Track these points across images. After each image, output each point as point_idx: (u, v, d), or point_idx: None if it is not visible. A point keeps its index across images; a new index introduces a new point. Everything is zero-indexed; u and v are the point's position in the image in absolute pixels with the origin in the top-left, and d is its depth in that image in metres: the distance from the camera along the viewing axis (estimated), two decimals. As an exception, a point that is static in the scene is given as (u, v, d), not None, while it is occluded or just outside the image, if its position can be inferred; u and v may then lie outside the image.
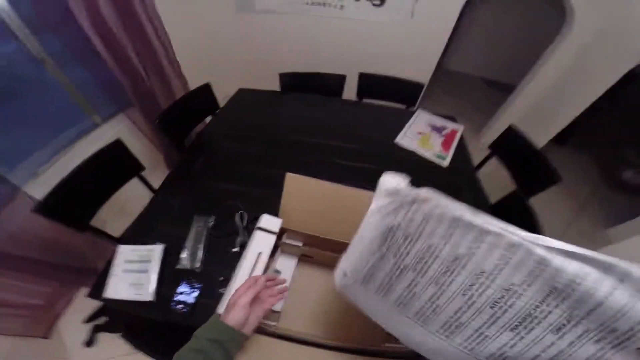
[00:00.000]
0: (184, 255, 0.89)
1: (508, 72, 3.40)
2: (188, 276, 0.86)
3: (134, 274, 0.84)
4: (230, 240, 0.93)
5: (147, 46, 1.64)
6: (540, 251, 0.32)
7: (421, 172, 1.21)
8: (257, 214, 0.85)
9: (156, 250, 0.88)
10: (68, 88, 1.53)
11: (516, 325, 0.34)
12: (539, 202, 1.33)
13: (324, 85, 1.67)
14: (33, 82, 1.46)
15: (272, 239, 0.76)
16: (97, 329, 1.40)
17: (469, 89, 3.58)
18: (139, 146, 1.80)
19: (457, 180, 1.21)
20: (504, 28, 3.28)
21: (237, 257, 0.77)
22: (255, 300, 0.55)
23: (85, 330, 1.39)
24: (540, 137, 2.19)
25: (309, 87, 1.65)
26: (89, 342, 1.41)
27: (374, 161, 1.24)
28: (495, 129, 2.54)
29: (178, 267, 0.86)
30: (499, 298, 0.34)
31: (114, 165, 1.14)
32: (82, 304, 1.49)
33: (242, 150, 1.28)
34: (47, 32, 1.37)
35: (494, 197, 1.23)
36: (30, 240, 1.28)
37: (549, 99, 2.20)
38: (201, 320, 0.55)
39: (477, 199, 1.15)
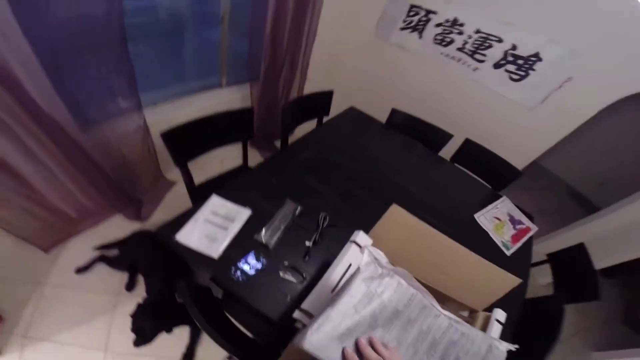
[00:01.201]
0: (266, 229, 0.90)
1: (599, 191, 3.25)
2: (259, 249, 0.88)
3: (213, 227, 0.84)
4: (308, 234, 1.00)
5: (298, 41, 1.94)
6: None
7: (486, 251, 1.34)
8: (336, 221, 0.98)
9: (243, 213, 0.90)
10: (223, 46, 1.81)
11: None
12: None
13: (427, 136, 1.83)
14: (202, 31, 1.74)
15: (360, 256, 0.84)
16: (100, 259, 1.44)
17: (550, 191, 3.48)
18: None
19: (513, 270, 1.32)
20: (618, 144, 3.13)
21: (307, 250, 0.91)
22: None
23: (86, 258, 1.44)
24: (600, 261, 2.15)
25: (413, 131, 1.83)
26: (83, 269, 1.41)
27: (451, 225, 1.33)
28: (558, 240, 2.49)
29: (255, 237, 0.89)
30: (429, 348, 0.54)
31: (235, 125, 1.34)
32: (102, 233, 1.56)
33: (339, 162, 1.45)
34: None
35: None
36: (111, 153, 1.39)
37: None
38: (249, 293, 0.71)
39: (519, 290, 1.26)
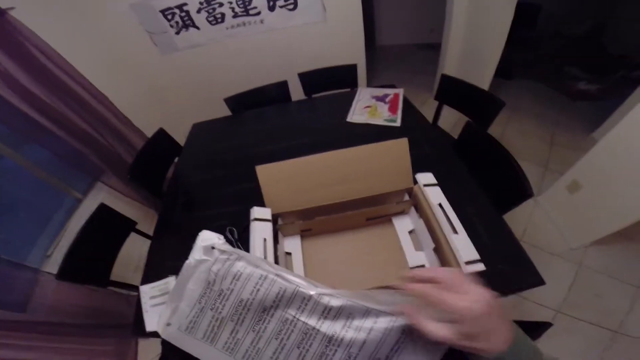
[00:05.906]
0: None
1: (432, 32, 3.62)
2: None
3: (161, 307, 0.88)
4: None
5: (90, 111, 1.70)
6: (323, 299, 0.42)
7: (377, 136, 1.30)
8: (239, 225, 0.92)
9: (171, 282, 0.95)
10: (35, 171, 1.53)
11: None
12: (515, 132, 1.53)
13: (270, 96, 1.74)
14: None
15: (269, 225, 0.79)
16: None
17: (407, 58, 3.79)
18: (126, 206, 1.87)
19: (411, 134, 1.28)
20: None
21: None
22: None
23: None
24: (483, 78, 2.37)
25: (257, 102, 1.72)
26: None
27: (334, 142, 1.31)
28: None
29: None
30: (301, 340, 0.42)
31: (107, 227, 1.22)
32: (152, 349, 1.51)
33: (215, 176, 1.33)
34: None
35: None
36: (67, 309, 1.35)
37: (472, 43, 2.37)
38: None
39: (436, 145, 1.24)
